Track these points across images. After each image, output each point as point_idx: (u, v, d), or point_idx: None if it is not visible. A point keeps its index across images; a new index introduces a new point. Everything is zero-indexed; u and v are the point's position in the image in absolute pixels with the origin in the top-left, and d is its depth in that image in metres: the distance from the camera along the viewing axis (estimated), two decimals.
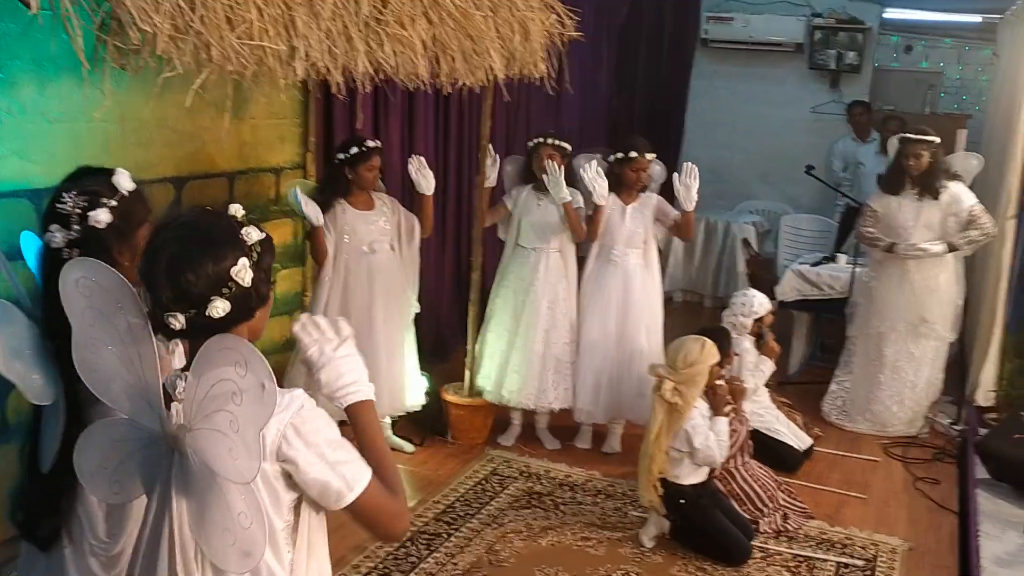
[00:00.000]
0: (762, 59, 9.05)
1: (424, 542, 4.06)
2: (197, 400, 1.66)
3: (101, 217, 2.19)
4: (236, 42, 2.63)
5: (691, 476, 4.11)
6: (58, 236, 2.19)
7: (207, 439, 1.64)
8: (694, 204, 4.92)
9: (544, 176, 4.83)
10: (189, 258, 1.67)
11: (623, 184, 4.97)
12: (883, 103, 8.79)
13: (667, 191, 5.13)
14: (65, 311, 1.72)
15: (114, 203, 2.23)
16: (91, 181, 2.27)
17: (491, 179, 5.04)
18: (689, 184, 4.87)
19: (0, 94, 3.47)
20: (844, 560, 4.14)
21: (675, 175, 4.94)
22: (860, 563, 4.12)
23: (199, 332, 1.70)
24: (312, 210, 4.36)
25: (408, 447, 4.97)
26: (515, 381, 5.00)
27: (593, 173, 4.78)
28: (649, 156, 4.96)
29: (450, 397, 5.15)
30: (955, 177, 5.48)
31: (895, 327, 5.52)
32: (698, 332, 4.30)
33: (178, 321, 1.68)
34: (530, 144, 5.03)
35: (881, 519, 4.56)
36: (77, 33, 2.27)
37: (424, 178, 4.69)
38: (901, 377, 5.55)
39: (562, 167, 4.86)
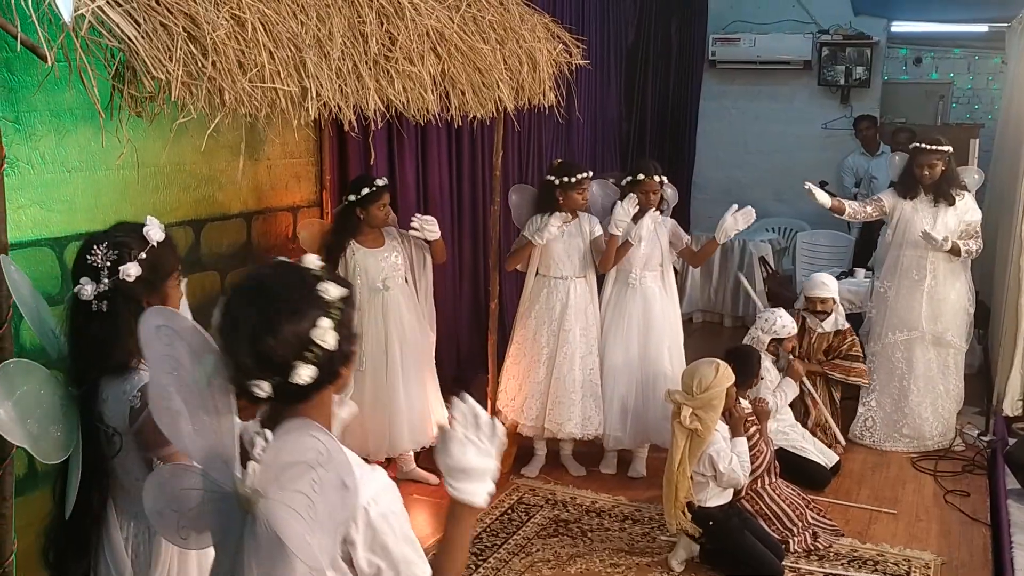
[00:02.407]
0: (771, 78, 9.08)
1: None
2: (275, 469, 1.59)
3: (131, 271, 2.23)
4: (248, 85, 2.67)
5: (717, 498, 4.09)
6: (87, 288, 2.22)
7: (282, 513, 1.57)
8: (726, 239, 5.01)
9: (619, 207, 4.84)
10: (267, 323, 1.59)
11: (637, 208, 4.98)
12: (894, 116, 8.79)
13: (678, 215, 5.15)
14: (144, 354, 1.71)
15: (143, 255, 2.26)
16: (120, 232, 2.30)
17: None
18: (739, 226, 4.96)
19: (19, 146, 3.53)
20: None
21: (733, 206, 4.97)
22: None
23: (284, 398, 1.64)
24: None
25: (433, 479, 4.96)
26: (560, 413, 4.98)
27: (627, 211, 4.81)
28: (658, 178, 4.98)
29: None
30: (965, 188, 5.50)
31: (912, 335, 5.50)
32: (726, 352, 4.31)
33: (263, 390, 1.61)
34: (563, 180, 4.88)
35: (912, 534, 4.52)
36: (93, 83, 2.31)
37: (425, 232, 4.65)
38: (932, 387, 5.52)
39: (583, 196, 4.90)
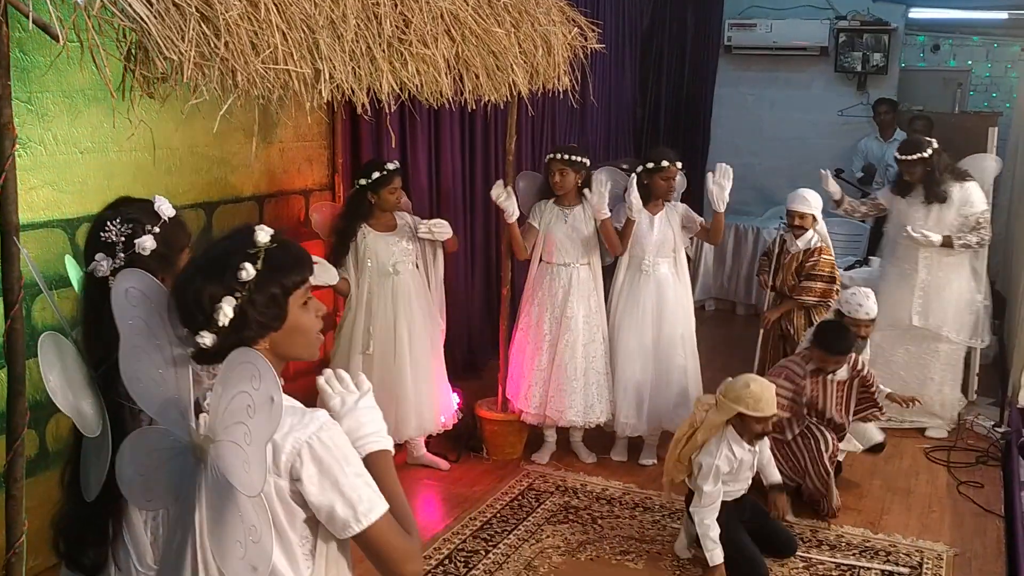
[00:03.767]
0: (787, 64, 9.00)
1: (462, 559, 4.05)
2: (220, 412, 1.69)
3: (146, 244, 2.23)
4: (261, 67, 2.65)
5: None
6: (104, 265, 2.22)
7: (226, 451, 1.67)
8: (725, 205, 4.91)
9: (587, 191, 4.82)
10: (190, 283, 1.75)
11: (654, 194, 4.95)
12: (911, 103, 8.71)
13: (689, 200, 5.11)
14: (115, 318, 1.77)
15: (157, 229, 2.26)
16: (132, 209, 2.30)
17: (513, 212, 4.83)
18: (723, 184, 4.87)
19: (32, 126, 3.52)
20: (889, 568, 4.07)
21: (708, 175, 4.94)
22: (905, 571, 4.05)
23: (226, 344, 1.74)
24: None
25: (443, 464, 4.96)
26: (561, 400, 4.97)
27: (632, 188, 4.78)
28: (678, 165, 4.95)
29: (484, 413, 5.14)
30: (967, 177, 5.42)
31: (896, 329, 5.45)
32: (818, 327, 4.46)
33: (207, 339, 1.74)
34: (546, 159, 4.97)
35: (925, 525, 4.49)
36: (105, 64, 2.29)
37: (438, 231, 4.68)
38: (924, 379, 5.47)
39: (579, 181, 4.86)
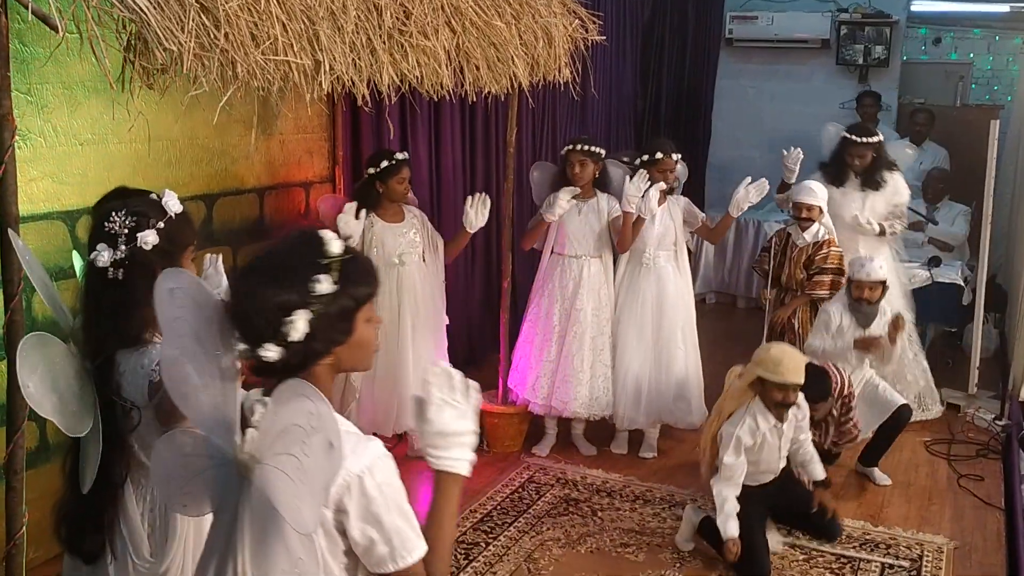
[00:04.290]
0: (788, 56, 8.97)
1: (463, 551, 4.05)
2: (270, 434, 1.61)
3: (149, 239, 2.21)
4: (261, 58, 2.64)
5: (748, 478, 4.01)
6: (104, 255, 2.20)
7: (275, 479, 1.59)
8: (740, 213, 4.96)
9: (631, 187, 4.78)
10: (253, 293, 1.64)
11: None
12: (913, 96, 8.69)
13: (690, 192, 5.10)
14: (157, 314, 1.70)
15: (161, 225, 2.24)
16: (140, 201, 2.29)
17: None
18: (752, 199, 4.90)
19: (31, 118, 3.51)
20: (889, 560, 4.07)
21: (744, 181, 4.92)
22: (906, 563, 4.06)
23: (269, 368, 1.66)
24: (351, 229, 4.37)
25: None
26: (567, 391, 4.96)
27: (638, 187, 4.77)
28: (675, 157, 4.93)
29: (484, 406, 5.12)
30: (895, 167, 5.58)
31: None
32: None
33: (239, 351, 1.66)
34: (562, 152, 4.96)
35: (925, 518, 4.49)
36: (104, 55, 2.29)
37: (476, 215, 4.60)
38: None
39: (596, 173, 4.86)
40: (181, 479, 1.77)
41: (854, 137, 5.50)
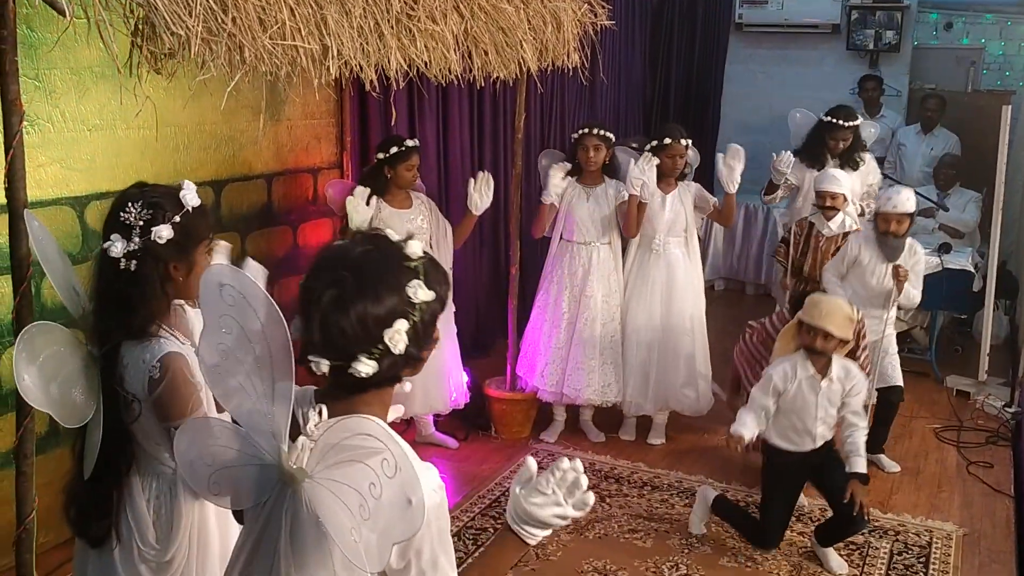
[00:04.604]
0: (798, 42, 8.92)
1: (471, 537, 4.06)
2: (326, 454, 1.52)
3: (163, 233, 2.20)
4: (269, 43, 2.63)
5: (776, 438, 3.94)
6: (118, 246, 2.20)
7: (329, 501, 1.50)
8: (736, 186, 4.87)
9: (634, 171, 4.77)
10: (343, 303, 1.53)
11: (662, 172, 4.91)
12: (924, 82, 8.63)
13: (701, 178, 5.07)
14: (202, 310, 1.64)
15: (177, 219, 2.23)
16: (157, 193, 2.27)
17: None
18: (733, 165, 4.83)
19: (40, 103, 3.51)
20: (898, 547, 4.07)
21: (718, 156, 4.90)
22: (915, 549, 4.05)
23: (341, 384, 1.59)
24: (360, 216, 4.37)
25: (452, 443, 4.97)
26: (579, 379, 4.96)
27: (643, 170, 4.75)
28: (684, 142, 4.90)
29: (492, 392, 5.14)
30: (866, 147, 5.77)
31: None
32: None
33: (319, 368, 1.56)
34: (574, 136, 4.95)
35: (934, 505, 4.49)
36: (112, 40, 2.28)
37: (481, 197, 4.60)
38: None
39: (607, 159, 4.84)
40: (208, 466, 1.71)
41: (840, 121, 5.57)
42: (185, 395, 2.18)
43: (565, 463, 1.70)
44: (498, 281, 6.29)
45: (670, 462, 4.86)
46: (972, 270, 6.24)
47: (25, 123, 2.29)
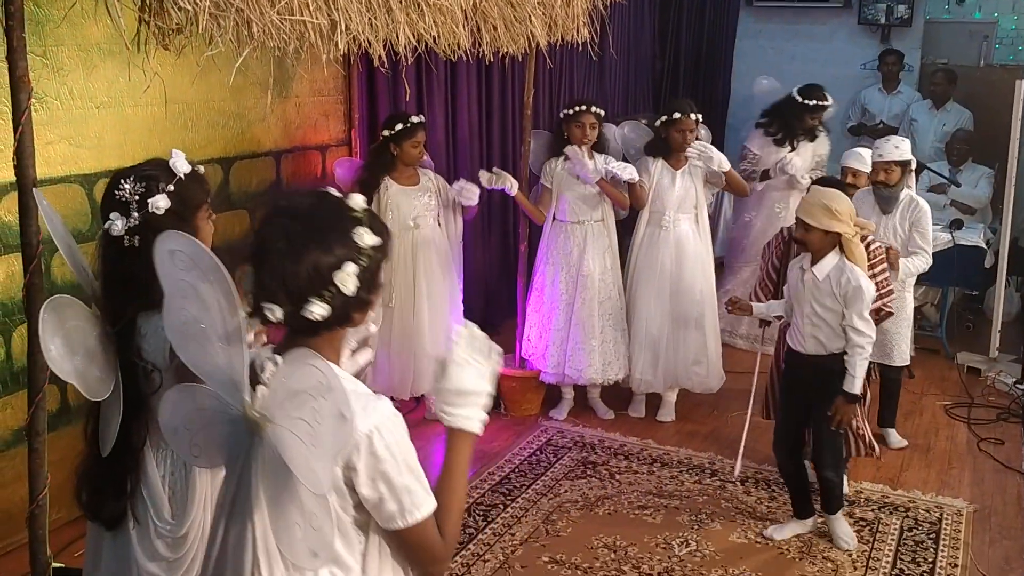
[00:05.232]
0: (809, 16, 8.84)
1: (481, 513, 4.07)
2: (280, 398, 1.62)
3: (160, 203, 2.21)
4: (277, 18, 2.61)
5: (787, 336, 3.88)
6: (118, 224, 2.20)
7: (287, 439, 1.60)
8: (721, 162, 4.86)
9: (568, 163, 4.79)
10: (293, 251, 1.62)
11: (671, 147, 4.89)
12: (936, 57, 8.54)
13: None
14: (159, 277, 1.70)
15: (171, 188, 2.23)
16: (147, 166, 2.28)
17: (512, 185, 4.82)
18: (709, 155, 4.82)
19: (47, 80, 3.50)
20: (908, 524, 4.07)
21: (691, 155, 4.89)
22: (925, 526, 4.05)
23: (295, 327, 1.67)
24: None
25: None
26: (580, 358, 4.95)
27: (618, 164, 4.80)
28: (694, 116, 4.87)
29: (501, 369, 5.13)
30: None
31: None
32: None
33: (274, 315, 1.64)
34: (565, 113, 4.88)
35: (944, 481, 4.48)
36: (119, 15, 2.26)
37: (468, 194, 4.66)
38: None
39: (596, 131, 4.81)
40: (189, 431, 1.80)
41: (822, 103, 5.88)
42: None
43: (461, 329, 1.80)
44: (507, 259, 6.27)
45: (680, 439, 4.87)
46: (984, 246, 6.21)
47: (33, 100, 2.28)
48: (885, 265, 4.12)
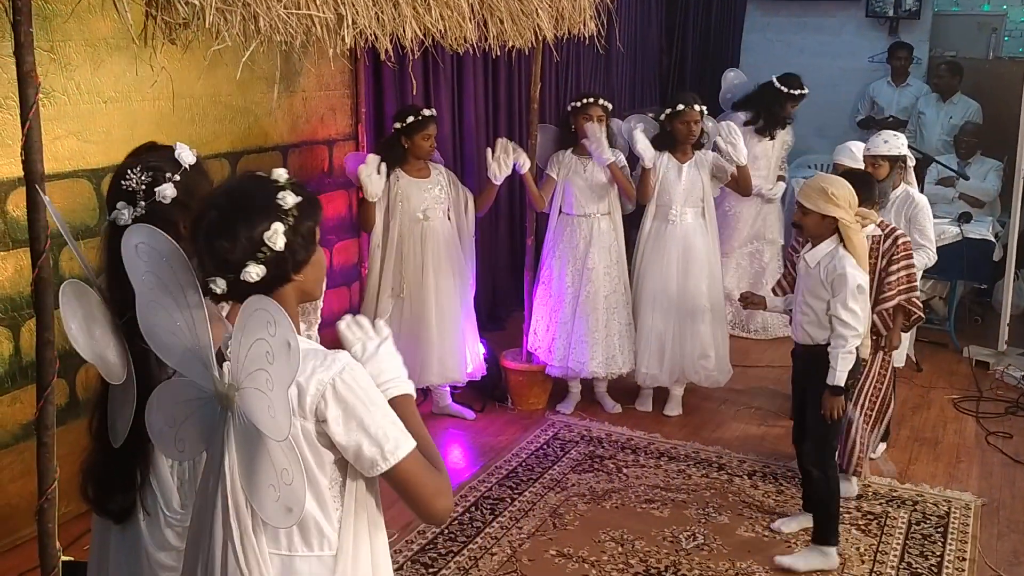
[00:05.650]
0: (817, 9, 8.81)
1: (488, 507, 4.08)
2: (241, 359, 1.70)
3: (167, 192, 2.21)
4: (283, 12, 2.61)
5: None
6: (125, 213, 2.20)
7: (251, 397, 1.68)
8: (745, 157, 4.87)
9: (585, 140, 4.77)
10: (224, 225, 1.74)
11: (677, 140, 4.88)
12: (944, 49, 8.51)
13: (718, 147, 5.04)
14: (128, 275, 1.76)
15: (177, 177, 2.24)
16: (153, 157, 2.29)
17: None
18: (734, 142, 4.82)
19: (55, 75, 3.50)
20: (916, 517, 4.06)
21: (717, 138, 4.87)
22: (933, 519, 4.04)
23: (241, 296, 1.74)
24: (375, 187, 4.36)
25: (469, 414, 4.98)
26: (583, 351, 4.95)
27: (641, 139, 4.76)
28: (699, 108, 4.86)
29: (508, 363, 5.14)
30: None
31: (762, 243, 6.29)
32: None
33: (218, 286, 1.74)
34: (573, 106, 4.89)
35: (953, 475, 4.47)
36: (126, 10, 2.26)
37: (500, 166, 4.58)
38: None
39: (604, 126, 4.80)
40: (172, 428, 1.86)
41: (801, 92, 6.05)
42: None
43: (339, 326, 1.89)
44: (514, 253, 6.28)
45: (687, 433, 4.87)
46: (992, 239, 6.18)
47: (40, 95, 2.28)
48: (912, 261, 4.06)
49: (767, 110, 6.10)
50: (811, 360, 3.64)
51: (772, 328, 6.27)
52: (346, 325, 1.90)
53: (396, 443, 1.73)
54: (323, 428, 1.72)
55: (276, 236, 1.73)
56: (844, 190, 3.52)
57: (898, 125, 7.47)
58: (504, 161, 4.59)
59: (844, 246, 3.52)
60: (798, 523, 3.93)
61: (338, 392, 1.71)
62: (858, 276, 3.51)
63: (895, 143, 4.50)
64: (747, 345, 6.07)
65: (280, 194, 1.77)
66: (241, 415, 1.71)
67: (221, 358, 1.76)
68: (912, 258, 4.07)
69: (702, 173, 4.95)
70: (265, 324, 1.65)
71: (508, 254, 6.37)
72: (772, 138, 6.16)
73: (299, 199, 1.78)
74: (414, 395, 1.88)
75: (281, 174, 1.82)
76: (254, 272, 1.73)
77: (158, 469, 2.27)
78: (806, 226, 3.59)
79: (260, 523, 1.75)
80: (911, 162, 4.63)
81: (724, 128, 4.85)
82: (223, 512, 1.75)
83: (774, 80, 6.10)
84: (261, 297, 1.70)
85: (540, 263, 5.12)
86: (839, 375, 3.53)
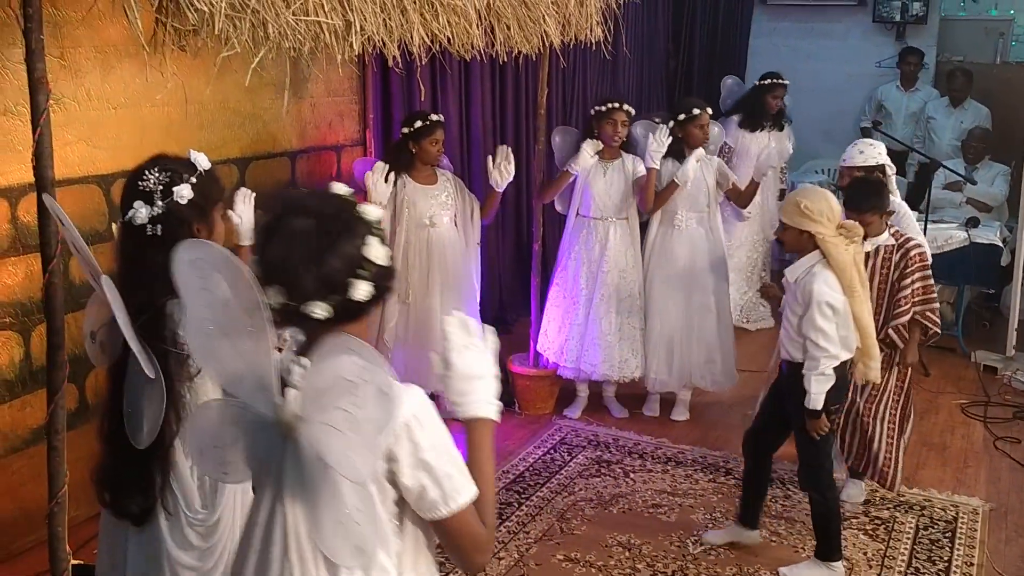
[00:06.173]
0: (823, 14, 8.82)
1: (496, 511, 4.08)
2: (315, 392, 1.61)
3: (184, 192, 2.24)
4: (292, 18, 2.63)
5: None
6: (142, 212, 2.23)
7: (323, 433, 1.59)
8: (653, 162, 4.77)
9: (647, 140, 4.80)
10: (326, 243, 1.63)
11: (690, 144, 4.87)
12: (951, 54, 8.51)
13: (723, 152, 5.07)
14: (179, 290, 1.68)
15: (193, 180, 2.28)
16: (170, 160, 2.32)
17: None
18: (657, 148, 4.75)
19: (65, 82, 3.53)
20: (924, 522, 4.06)
21: (649, 135, 4.81)
22: (941, 524, 4.04)
23: (344, 317, 1.67)
24: (380, 193, 4.38)
25: None
26: (596, 354, 4.96)
27: (661, 143, 4.76)
28: (709, 111, 4.89)
29: (516, 368, 5.14)
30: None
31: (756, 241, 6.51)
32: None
33: (321, 310, 1.63)
34: (597, 110, 4.89)
35: (960, 480, 4.46)
36: (136, 17, 2.28)
37: (501, 173, 4.58)
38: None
39: (627, 131, 4.82)
40: (217, 449, 1.77)
41: (777, 81, 6.36)
42: None
43: (450, 319, 1.79)
44: (521, 258, 6.29)
45: (694, 438, 4.87)
46: (1000, 244, 6.18)
47: (51, 102, 2.30)
48: (929, 272, 3.96)
49: (749, 106, 6.46)
50: (792, 377, 3.48)
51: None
52: (454, 324, 1.79)
53: (459, 490, 1.67)
54: (392, 467, 1.66)
55: (377, 250, 1.66)
56: (821, 203, 3.34)
57: (904, 132, 7.49)
58: (505, 168, 4.60)
59: (827, 262, 3.36)
60: (719, 536, 3.85)
61: (412, 433, 1.65)
62: (827, 294, 3.32)
63: (871, 153, 4.34)
64: (754, 350, 6.06)
65: (360, 207, 1.69)
66: (307, 449, 1.63)
67: (283, 383, 1.66)
68: (928, 269, 3.94)
69: (707, 178, 4.95)
70: (354, 366, 1.57)
71: (515, 259, 6.38)
72: (761, 129, 6.36)
73: (379, 211, 1.72)
74: (496, 420, 1.78)
75: (374, 213, 1.72)
76: (364, 290, 1.65)
77: (178, 470, 2.27)
78: (786, 241, 3.48)
79: (320, 556, 1.67)
80: (891, 171, 4.50)
81: (659, 130, 4.83)
82: (283, 550, 1.68)
83: (756, 81, 6.49)
84: (348, 337, 1.63)
85: (556, 263, 5.13)
86: (814, 398, 3.35)
